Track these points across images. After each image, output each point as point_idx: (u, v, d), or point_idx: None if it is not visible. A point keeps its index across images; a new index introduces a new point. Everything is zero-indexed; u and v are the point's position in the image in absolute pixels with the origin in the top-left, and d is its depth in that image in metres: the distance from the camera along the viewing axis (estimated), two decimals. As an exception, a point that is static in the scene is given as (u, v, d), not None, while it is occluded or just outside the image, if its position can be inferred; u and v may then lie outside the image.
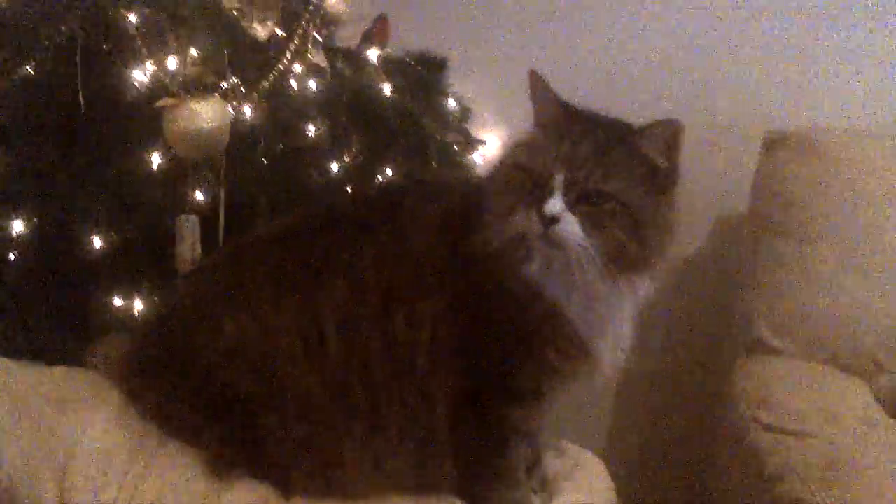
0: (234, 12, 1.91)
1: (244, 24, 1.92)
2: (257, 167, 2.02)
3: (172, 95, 1.71)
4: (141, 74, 1.70)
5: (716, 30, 2.63)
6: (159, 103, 1.68)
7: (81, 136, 1.77)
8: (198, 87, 1.72)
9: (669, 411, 2.81)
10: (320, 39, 2.27)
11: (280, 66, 2.09)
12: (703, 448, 2.46)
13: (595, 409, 2.84)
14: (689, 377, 2.75)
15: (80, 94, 1.63)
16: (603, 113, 1.56)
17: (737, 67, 2.63)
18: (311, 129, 2.15)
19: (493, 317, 1.53)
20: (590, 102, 1.61)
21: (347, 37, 2.42)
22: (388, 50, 2.45)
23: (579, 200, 1.42)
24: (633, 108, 1.58)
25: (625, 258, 1.44)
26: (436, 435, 1.55)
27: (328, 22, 2.27)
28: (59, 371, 1.70)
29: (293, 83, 2.12)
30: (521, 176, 1.48)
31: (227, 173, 1.97)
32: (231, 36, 1.91)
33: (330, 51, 2.31)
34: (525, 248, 1.47)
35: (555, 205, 1.41)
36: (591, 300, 1.50)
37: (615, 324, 1.56)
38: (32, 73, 1.72)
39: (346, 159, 2.20)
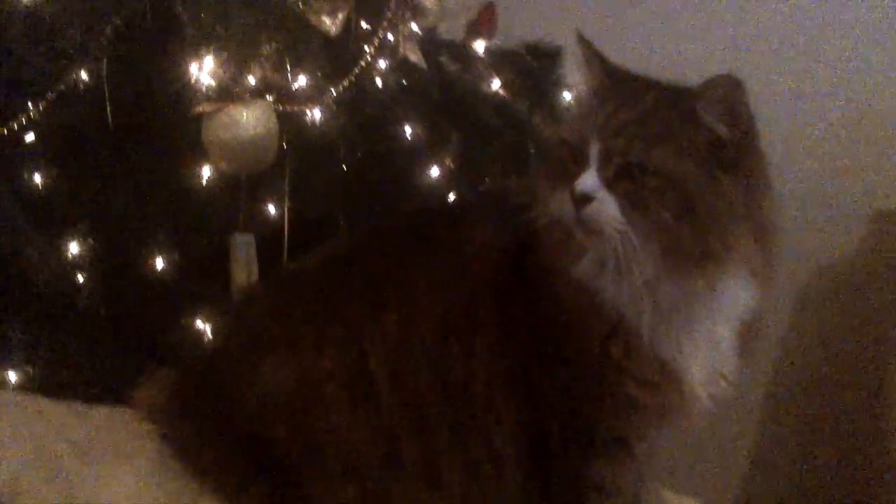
0: (300, 4, 1.66)
1: (311, 17, 1.67)
2: (336, 176, 1.79)
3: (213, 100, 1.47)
4: (193, 73, 1.49)
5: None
6: (196, 110, 1.46)
7: (131, 148, 1.57)
8: (243, 90, 1.46)
9: (817, 441, 2.50)
10: (418, 32, 2.02)
11: (362, 63, 1.82)
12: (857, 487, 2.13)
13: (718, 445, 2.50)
14: (843, 396, 2.45)
15: (107, 99, 1.40)
16: (661, 79, 1.34)
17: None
18: (408, 131, 1.95)
19: (551, 340, 1.32)
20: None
21: (452, 29, 2.24)
22: (497, 41, 2.23)
23: (619, 176, 1.21)
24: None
25: (678, 247, 1.20)
26: (505, 493, 1.36)
27: (422, 14, 1.99)
28: (98, 412, 1.55)
29: (378, 81, 1.86)
30: (562, 151, 1.29)
31: (299, 184, 1.75)
32: (295, 31, 1.66)
33: (431, 44, 2.07)
34: (572, 241, 1.25)
35: (586, 181, 1.21)
36: (662, 306, 1.25)
37: (705, 338, 1.30)
38: (85, 78, 1.53)
39: (448, 163, 2.00)
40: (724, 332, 1.32)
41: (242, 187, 1.60)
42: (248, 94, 1.53)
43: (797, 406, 2.54)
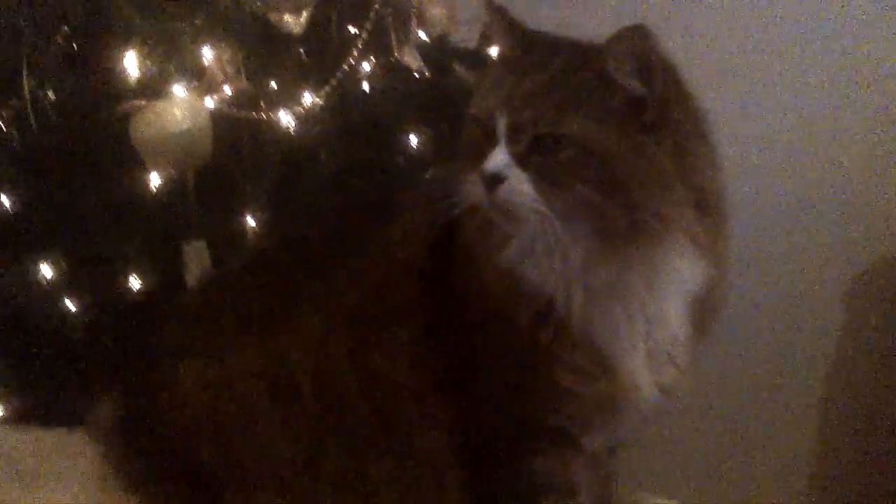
0: (258, 2, 1.59)
1: (271, 15, 1.60)
2: (317, 184, 1.69)
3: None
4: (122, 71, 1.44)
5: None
6: (122, 109, 1.40)
7: (85, 161, 1.54)
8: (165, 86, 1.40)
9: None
10: (425, 40, 1.93)
11: (345, 67, 1.73)
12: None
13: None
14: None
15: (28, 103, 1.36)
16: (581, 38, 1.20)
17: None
18: (413, 140, 1.85)
19: (477, 330, 1.21)
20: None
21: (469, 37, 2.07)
22: None
23: (531, 151, 1.08)
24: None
25: (605, 224, 1.08)
26: (443, 499, 1.25)
27: (430, 22, 1.90)
28: (51, 435, 1.54)
29: (366, 86, 1.76)
30: (473, 130, 1.17)
31: (275, 197, 1.66)
32: (254, 32, 1.60)
33: (443, 52, 1.96)
34: (494, 227, 1.15)
35: (495, 159, 1.09)
36: (594, 288, 1.13)
37: (647, 320, 1.16)
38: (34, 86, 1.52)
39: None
40: (669, 312, 1.18)
41: (190, 194, 1.49)
42: (175, 90, 1.43)
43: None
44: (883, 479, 2.24)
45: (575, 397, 1.18)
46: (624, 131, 1.09)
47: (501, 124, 1.09)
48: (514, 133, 1.09)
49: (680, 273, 1.15)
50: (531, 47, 1.17)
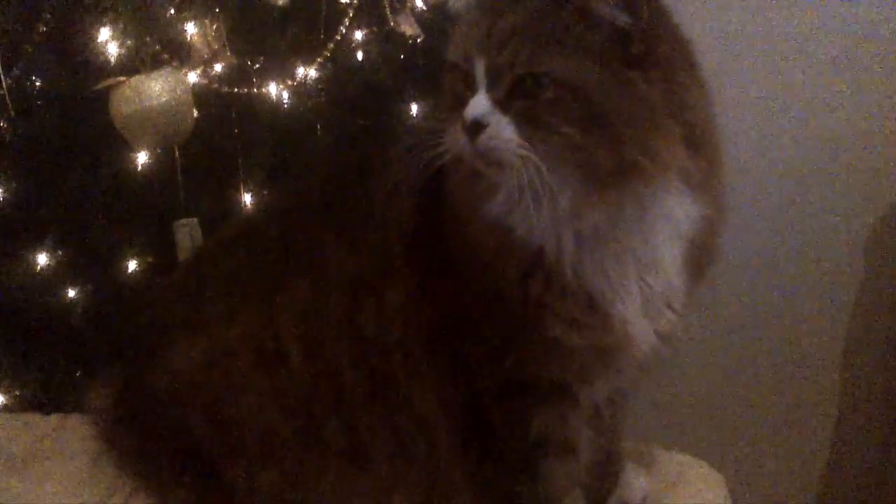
0: (239, -24, 1.57)
1: (254, -14, 1.57)
2: (314, 156, 1.67)
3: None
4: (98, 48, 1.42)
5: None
6: (100, 85, 1.38)
7: (74, 147, 1.52)
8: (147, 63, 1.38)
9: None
10: (422, 7, 1.90)
11: (337, 38, 1.70)
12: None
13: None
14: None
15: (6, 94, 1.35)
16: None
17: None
18: (413, 107, 1.83)
19: (466, 285, 1.15)
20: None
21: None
22: None
23: (512, 94, 1.02)
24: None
25: (593, 165, 1.01)
26: (438, 463, 1.21)
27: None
28: (48, 420, 1.54)
29: (360, 55, 1.73)
30: (452, 77, 1.10)
31: (275, 168, 1.64)
32: (239, 4, 1.58)
33: (442, 19, 1.92)
34: (479, 177, 1.09)
35: (475, 106, 1.02)
36: (584, 234, 1.07)
37: (640, 265, 1.10)
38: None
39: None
40: (663, 256, 1.12)
41: (178, 170, 1.46)
42: (153, 67, 1.41)
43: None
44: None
45: (569, 348, 1.12)
46: (609, 66, 1.02)
47: (480, 68, 1.03)
48: (493, 77, 1.02)
49: (673, 214, 1.09)
50: None
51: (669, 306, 1.14)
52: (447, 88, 1.11)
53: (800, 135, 2.11)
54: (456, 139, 1.05)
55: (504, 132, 1.01)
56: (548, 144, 1.00)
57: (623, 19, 1.02)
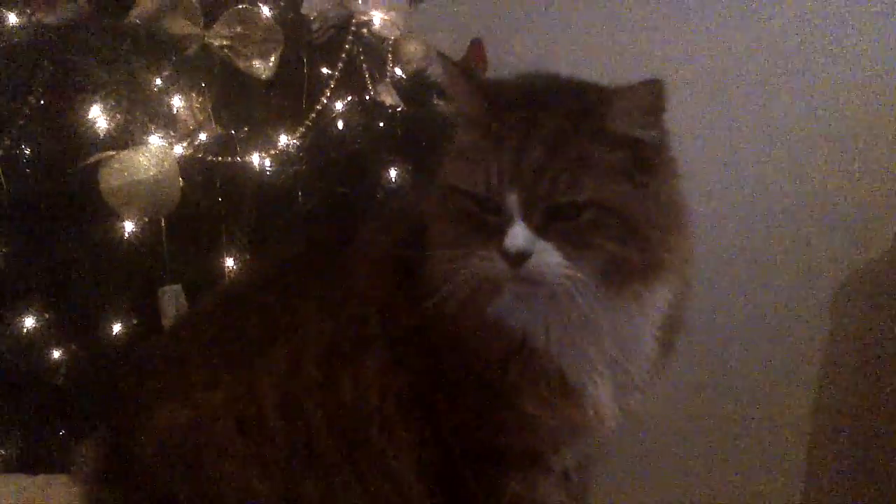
0: (225, 51, 1.63)
1: (239, 63, 1.64)
2: (294, 222, 1.73)
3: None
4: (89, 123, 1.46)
5: None
6: (89, 160, 1.44)
7: (62, 213, 1.57)
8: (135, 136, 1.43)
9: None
10: (402, 76, 1.98)
11: (318, 108, 1.77)
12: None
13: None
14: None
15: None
16: (551, 77, 1.21)
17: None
18: (392, 174, 1.90)
19: (444, 360, 1.21)
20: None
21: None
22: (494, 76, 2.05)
23: (549, 218, 1.07)
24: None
25: (627, 270, 1.10)
26: None
27: (406, 59, 1.93)
28: (35, 481, 1.55)
29: (340, 124, 1.80)
30: (464, 202, 1.13)
31: (258, 234, 1.70)
32: (224, 79, 1.64)
33: (422, 87, 2.00)
34: (490, 286, 1.14)
35: (517, 238, 1.06)
36: (580, 330, 1.15)
37: (621, 350, 1.18)
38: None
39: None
40: (642, 339, 1.20)
41: (163, 238, 1.52)
42: (143, 139, 1.46)
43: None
44: (872, 485, 2.20)
45: (540, 422, 1.18)
46: (630, 179, 1.10)
47: (513, 201, 1.08)
48: (529, 206, 1.08)
49: (661, 300, 1.16)
50: (504, 102, 1.14)
51: (637, 387, 1.21)
52: (455, 215, 1.14)
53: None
54: (490, 266, 1.09)
55: (550, 258, 1.07)
56: (588, 261, 1.08)
57: (645, 134, 1.11)
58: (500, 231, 1.08)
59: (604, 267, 1.10)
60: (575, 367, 1.16)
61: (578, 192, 1.07)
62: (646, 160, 1.11)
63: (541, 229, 1.07)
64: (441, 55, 1.19)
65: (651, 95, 1.09)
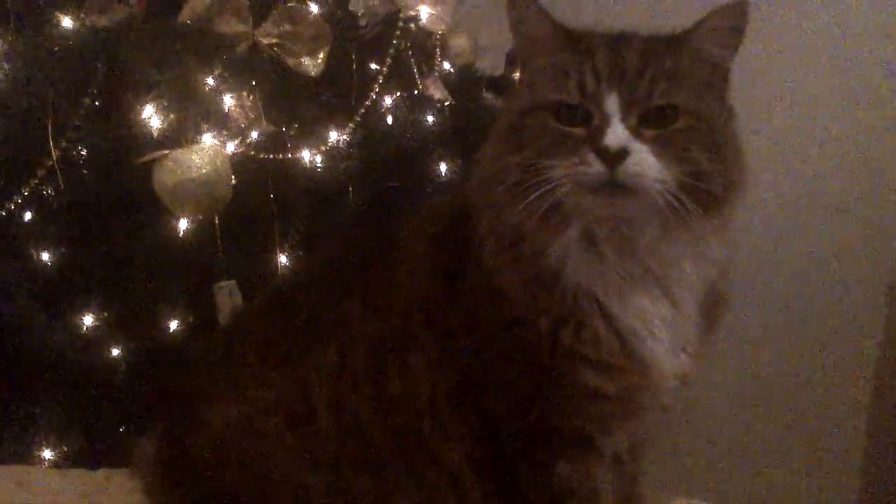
0: (275, 49, 1.65)
1: (289, 61, 1.65)
2: (346, 217, 1.75)
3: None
4: (142, 121, 1.49)
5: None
6: (143, 159, 1.46)
7: (122, 213, 1.60)
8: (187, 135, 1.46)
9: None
10: (450, 70, 1.99)
11: (367, 103, 1.78)
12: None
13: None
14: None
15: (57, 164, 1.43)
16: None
17: None
18: (442, 168, 1.92)
19: (493, 342, 1.19)
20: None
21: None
22: None
23: (643, 124, 1.08)
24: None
25: (709, 191, 1.09)
26: None
27: (454, 54, 1.94)
28: (95, 476, 1.58)
29: (389, 119, 1.81)
30: (546, 119, 1.12)
31: (310, 229, 1.72)
32: (273, 77, 1.65)
33: (470, 81, 2.02)
34: (559, 219, 1.11)
35: (617, 134, 1.06)
36: (632, 279, 1.14)
37: (673, 304, 1.16)
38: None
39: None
40: (688, 297, 1.18)
41: (217, 234, 1.54)
42: (195, 138, 1.49)
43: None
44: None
45: (600, 397, 1.16)
46: (715, 98, 1.14)
47: (612, 100, 1.08)
48: (627, 107, 1.08)
49: (716, 249, 1.16)
50: (588, 35, 1.17)
51: (687, 350, 1.18)
52: (536, 130, 1.13)
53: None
54: (584, 171, 1.07)
55: (647, 158, 1.06)
56: (681, 169, 1.07)
57: (724, 54, 1.14)
58: (593, 136, 1.07)
59: (692, 181, 1.08)
60: (632, 324, 1.14)
61: (673, 95, 1.09)
62: (725, 82, 1.15)
63: (636, 132, 1.07)
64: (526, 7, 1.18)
65: (736, 15, 1.13)
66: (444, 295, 1.23)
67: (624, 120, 1.08)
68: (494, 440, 1.22)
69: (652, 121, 1.08)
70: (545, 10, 1.18)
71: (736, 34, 1.14)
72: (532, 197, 1.09)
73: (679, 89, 1.09)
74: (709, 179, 1.09)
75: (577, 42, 1.15)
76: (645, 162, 1.06)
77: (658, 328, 1.16)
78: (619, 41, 1.15)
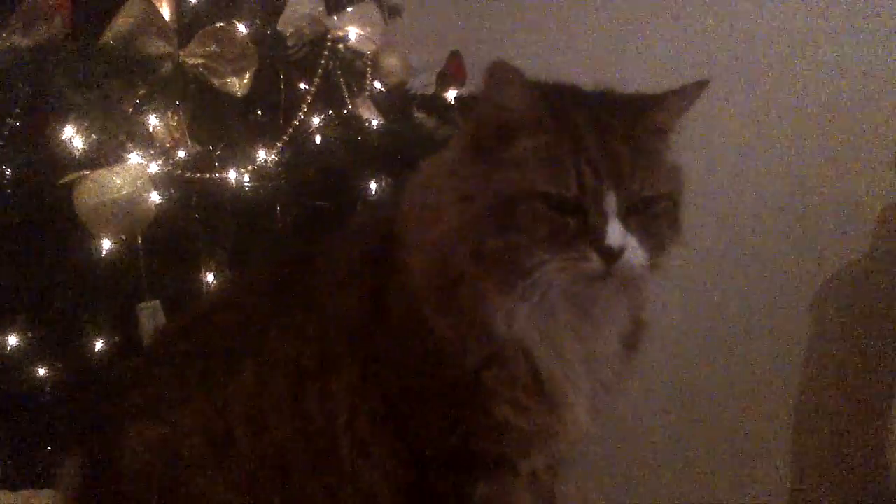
0: (199, 69, 1.66)
1: (214, 81, 1.66)
2: (274, 236, 1.75)
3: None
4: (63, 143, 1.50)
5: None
6: (64, 179, 1.46)
7: (44, 233, 1.59)
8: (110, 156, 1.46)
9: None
10: (381, 90, 2.01)
11: (295, 123, 1.79)
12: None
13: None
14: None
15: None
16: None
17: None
18: (373, 187, 1.91)
19: (421, 378, 1.22)
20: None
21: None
22: (473, 88, 2.14)
23: (630, 214, 1.12)
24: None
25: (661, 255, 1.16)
26: None
27: (386, 73, 1.96)
28: (17, 497, 1.58)
29: (318, 139, 1.82)
30: (540, 207, 1.11)
31: (238, 249, 1.72)
32: (198, 97, 1.66)
33: (403, 100, 2.04)
34: (524, 290, 1.13)
35: (616, 234, 1.09)
36: (559, 329, 1.18)
37: (596, 357, 1.21)
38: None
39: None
40: (617, 333, 1.23)
41: (140, 254, 1.54)
42: (118, 158, 1.49)
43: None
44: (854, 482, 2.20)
45: (513, 428, 1.19)
46: (675, 169, 1.20)
47: (610, 200, 1.10)
48: (621, 203, 1.11)
49: (644, 291, 1.22)
50: (573, 106, 1.16)
51: (607, 388, 1.23)
52: (528, 218, 1.11)
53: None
54: (582, 266, 1.10)
55: (638, 251, 1.11)
56: (652, 245, 1.13)
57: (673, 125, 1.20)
58: (594, 234, 1.09)
59: (655, 251, 1.14)
60: (555, 372, 1.17)
61: (658, 186, 1.13)
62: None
63: (626, 223, 1.11)
64: (501, 62, 1.15)
65: (698, 93, 1.17)
66: (367, 319, 1.24)
67: (618, 215, 1.10)
68: (414, 462, 1.24)
69: (637, 210, 1.12)
70: (531, 83, 1.15)
71: (689, 106, 1.19)
72: (521, 284, 1.11)
73: (659, 177, 1.14)
74: (668, 244, 1.16)
75: (562, 120, 1.14)
76: (636, 253, 1.11)
77: (579, 376, 1.20)
78: (600, 122, 1.14)
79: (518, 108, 1.14)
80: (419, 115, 2.11)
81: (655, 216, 1.14)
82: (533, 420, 1.19)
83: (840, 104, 2.22)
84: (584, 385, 1.20)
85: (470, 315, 1.17)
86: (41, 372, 1.74)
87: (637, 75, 2.28)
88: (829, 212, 2.24)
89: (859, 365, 2.26)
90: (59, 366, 1.74)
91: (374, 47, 1.96)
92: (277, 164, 1.81)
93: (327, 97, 1.92)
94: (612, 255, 1.09)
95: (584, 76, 2.17)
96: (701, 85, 1.17)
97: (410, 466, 1.24)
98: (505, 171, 1.14)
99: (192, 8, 1.79)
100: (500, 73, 1.14)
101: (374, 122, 1.95)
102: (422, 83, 2.16)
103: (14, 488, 1.63)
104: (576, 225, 1.10)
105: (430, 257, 1.19)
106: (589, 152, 1.11)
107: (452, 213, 1.16)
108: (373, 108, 1.95)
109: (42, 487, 1.64)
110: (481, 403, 1.18)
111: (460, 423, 1.20)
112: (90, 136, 1.50)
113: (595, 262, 1.09)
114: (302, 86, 1.91)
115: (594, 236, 1.09)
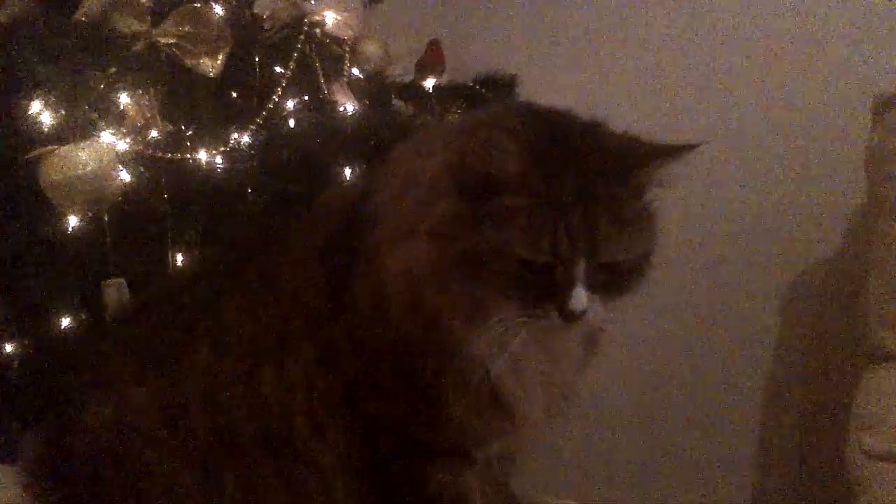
0: (174, 49, 1.65)
1: (187, 61, 1.66)
2: (244, 220, 1.75)
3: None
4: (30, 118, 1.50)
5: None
6: (30, 155, 1.46)
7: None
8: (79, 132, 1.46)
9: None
10: (359, 76, 2.00)
11: (269, 106, 1.79)
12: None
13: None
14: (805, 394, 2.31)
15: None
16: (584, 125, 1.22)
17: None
18: (347, 173, 1.92)
19: (381, 369, 1.23)
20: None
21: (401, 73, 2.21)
22: (451, 78, 2.20)
23: (598, 274, 1.12)
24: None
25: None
26: None
27: (365, 60, 1.96)
28: None
29: (292, 123, 1.82)
30: (512, 267, 1.12)
31: (208, 229, 1.72)
32: (171, 76, 1.66)
33: (381, 87, 2.03)
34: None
35: (580, 301, 1.11)
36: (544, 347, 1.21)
37: (553, 368, 1.24)
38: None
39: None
40: (573, 351, 1.25)
41: (106, 231, 1.54)
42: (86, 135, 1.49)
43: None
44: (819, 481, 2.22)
45: (469, 427, 1.22)
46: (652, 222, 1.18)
47: (580, 268, 1.11)
48: (589, 272, 1.11)
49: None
50: (561, 168, 1.13)
51: (565, 396, 1.26)
52: (497, 272, 1.12)
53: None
54: (543, 322, 1.12)
55: (599, 311, 1.13)
56: (619, 293, 1.15)
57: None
58: (558, 297, 1.11)
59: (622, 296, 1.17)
60: (511, 387, 1.20)
61: (631, 251, 1.13)
62: None
63: (591, 283, 1.11)
64: (496, 127, 1.13)
65: (685, 156, 1.15)
66: (327, 301, 1.25)
67: (585, 280, 1.11)
68: (369, 446, 1.25)
69: (606, 269, 1.12)
70: (524, 143, 1.12)
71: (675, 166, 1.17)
72: (483, 326, 1.13)
73: (636, 241, 1.14)
74: (633, 291, 1.17)
75: (550, 184, 1.12)
76: (598, 314, 1.13)
77: (536, 388, 1.22)
78: (586, 189, 1.11)
79: (508, 168, 1.12)
80: (397, 102, 2.09)
81: (624, 273, 1.15)
82: (487, 422, 1.21)
83: (810, 105, 2.22)
84: (541, 395, 1.23)
85: (435, 331, 1.17)
86: (8, 349, 1.73)
87: (616, 66, 2.32)
88: (799, 212, 2.24)
89: (824, 367, 2.26)
90: (26, 342, 1.74)
91: (351, 33, 1.95)
92: (250, 146, 1.80)
93: (303, 81, 1.91)
94: (573, 318, 1.11)
95: (563, 65, 2.18)
96: (692, 147, 1.15)
97: (365, 450, 1.25)
98: (484, 226, 1.13)
99: (168, -13, 1.78)
100: (491, 131, 1.12)
101: (351, 108, 1.94)
102: (401, 71, 2.15)
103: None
104: (543, 285, 1.11)
105: (402, 268, 1.19)
106: (569, 221, 1.10)
107: (422, 247, 1.16)
108: (349, 93, 1.94)
109: (10, 464, 1.63)
110: (437, 401, 1.19)
111: (417, 415, 1.22)
112: (59, 112, 1.49)
113: (556, 321, 1.11)
114: (277, 69, 1.89)
115: (559, 301, 1.11)
